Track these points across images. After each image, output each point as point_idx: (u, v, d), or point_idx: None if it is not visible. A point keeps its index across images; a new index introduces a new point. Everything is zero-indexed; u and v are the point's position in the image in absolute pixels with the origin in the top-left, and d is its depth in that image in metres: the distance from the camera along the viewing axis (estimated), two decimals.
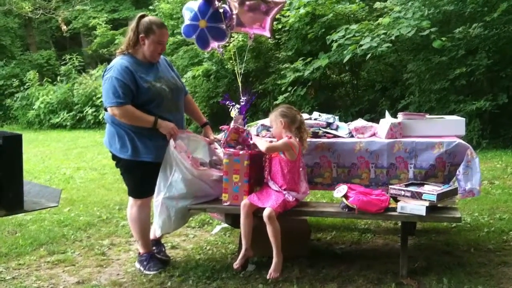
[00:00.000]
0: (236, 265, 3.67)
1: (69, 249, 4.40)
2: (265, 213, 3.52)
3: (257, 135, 4.15)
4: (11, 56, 19.40)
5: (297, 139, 3.73)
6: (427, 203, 3.43)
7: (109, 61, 17.44)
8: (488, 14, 8.64)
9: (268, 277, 3.54)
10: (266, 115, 6.19)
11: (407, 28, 8.54)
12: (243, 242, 3.67)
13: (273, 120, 3.82)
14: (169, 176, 3.67)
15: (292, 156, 3.68)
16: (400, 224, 3.81)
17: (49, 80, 16.72)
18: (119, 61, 3.69)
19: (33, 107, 15.65)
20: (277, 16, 10.38)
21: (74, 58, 16.69)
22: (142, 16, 3.77)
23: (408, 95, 9.72)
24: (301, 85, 10.58)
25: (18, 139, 2.40)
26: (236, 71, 4.97)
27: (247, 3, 4.36)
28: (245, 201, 3.62)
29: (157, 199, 3.71)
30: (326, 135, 4.07)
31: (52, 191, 2.88)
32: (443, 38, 8.48)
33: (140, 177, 3.76)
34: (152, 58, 3.77)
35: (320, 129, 4.10)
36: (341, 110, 10.44)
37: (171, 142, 3.66)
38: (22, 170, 2.43)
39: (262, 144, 3.71)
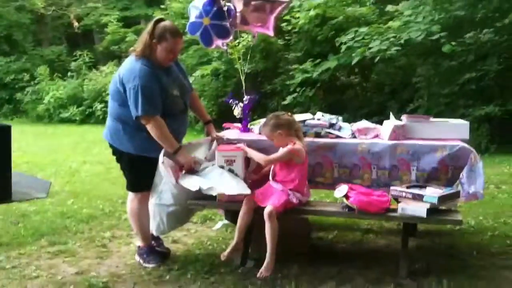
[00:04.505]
0: (223, 256, 3.64)
1: (70, 240, 4.42)
2: (266, 211, 3.51)
3: (260, 133, 4.13)
4: (22, 51, 19.53)
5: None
6: (428, 205, 3.41)
7: (119, 58, 17.41)
8: (499, 20, 8.58)
9: (258, 275, 3.51)
10: None
11: (416, 32, 8.51)
12: (236, 235, 3.66)
13: (270, 135, 3.74)
14: (159, 184, 3.71)
15: (298, 160, 3.66)
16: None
17: (60, 75, 16.83)
18: (142, 67, 3.57)
19: (43, 102, 15.76)
20: (287, 17, 10.47)
21: (85, 54, 16.79)
22: (160, 20, 3.69)
23: (417, 99, 9.67)
24: (309, 86, 10.58)
25: (6, 130, 2.40)
26: (239, 69, 4.95)
27: (253, 3, 4.37)
28: (249, 197, 3.62)
29: (151, 202, 3.76)
30: (329, 135, 4.05)
31: (41, 183, 2.90)
32: (453, 43, 8.43)
33: (141, 171, 3.76)
34: (164, 64, 3.71)
35: (322, 130, 4.08)
36: (350, 112, 10.41)
37: (160, 157, 3.63)
38: (11, 160, 2.43)
39: (259, 157, 3.71)
